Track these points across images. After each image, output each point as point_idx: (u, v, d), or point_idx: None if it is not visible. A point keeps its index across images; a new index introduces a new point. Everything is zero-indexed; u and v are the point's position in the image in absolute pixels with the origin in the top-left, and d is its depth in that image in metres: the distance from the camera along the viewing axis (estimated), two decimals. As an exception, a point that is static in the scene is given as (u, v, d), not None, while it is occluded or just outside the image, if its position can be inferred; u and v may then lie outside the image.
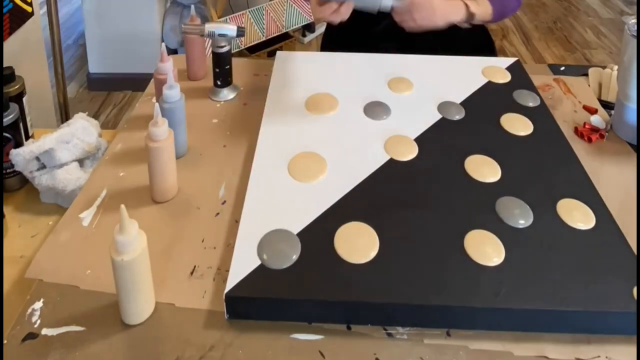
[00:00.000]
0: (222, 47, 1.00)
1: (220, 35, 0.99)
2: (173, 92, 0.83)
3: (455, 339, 0.63)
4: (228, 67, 1.03)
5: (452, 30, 1.29)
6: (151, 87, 1.05)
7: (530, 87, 1.05)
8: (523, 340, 0.63)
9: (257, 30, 2.47)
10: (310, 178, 0.80)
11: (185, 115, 0.87)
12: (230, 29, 0.99)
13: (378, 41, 1.24)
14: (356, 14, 1.04)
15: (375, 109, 0.95)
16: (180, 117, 0.85)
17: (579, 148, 0.93)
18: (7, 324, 0.63)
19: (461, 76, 1.06)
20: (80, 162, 0.89)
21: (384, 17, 1.08)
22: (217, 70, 1.03)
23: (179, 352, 0.60)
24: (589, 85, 1.16)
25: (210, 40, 1.00)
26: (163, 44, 0.93)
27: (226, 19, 2.35)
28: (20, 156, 0.82)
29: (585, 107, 1.06)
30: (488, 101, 1.00)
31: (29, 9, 1.38)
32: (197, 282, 0.68)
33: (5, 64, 0.91)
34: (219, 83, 1.04)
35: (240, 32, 1.00)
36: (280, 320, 0.64)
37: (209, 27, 0.99)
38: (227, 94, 1.04)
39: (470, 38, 1.33)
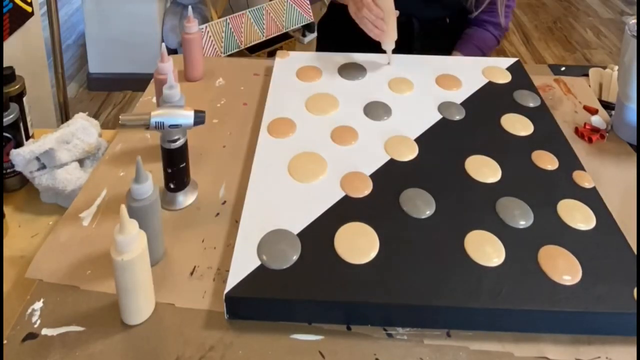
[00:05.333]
0: (174, 140, 0.74)
1: (172, 126, 0.73)
2: (173, 92, 0.83)
3: (456, 339, 0.63)
4: (184, 165, 0.77)
5: (453, 30, 1.29)
6: (151, 87, 1.05)
7: (531, 87, 1.05)
8: (523, 340, 0.63)
9: (257, 30, 2.47)
10: (310, 178, 0.80)
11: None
12: (186, 117, 0.74)
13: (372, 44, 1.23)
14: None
15: (375, 109, 0.95)
16: (180, 117, 0.85)
17: (579, 148, 0.93)
18: (7, 324, 0.63)
19: (461, 76, 1.06)
20: (80, 162, 0.89)
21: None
22: (169, 170, 0.77)
23: (179, 352, 0.60)
24: (589, 86, 1.15)
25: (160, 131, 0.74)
26: (163, 44, 0.93)
27: (226, 19, 2.34)
28: (21, 156, 0.82)
29: (585, 108, 1.06)
30: (488, 101, 1.00)
31: (29, 9, 1.38)
32: (197, 282, 0.68)
33: (5, 64, 0.90)
34: (171, 187, 0.78)
35: (199, 119, 0.75)
36: (280, 320, 0.64)
37: (156, 115, 0.72)
38: (184, 200, 0.79)
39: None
